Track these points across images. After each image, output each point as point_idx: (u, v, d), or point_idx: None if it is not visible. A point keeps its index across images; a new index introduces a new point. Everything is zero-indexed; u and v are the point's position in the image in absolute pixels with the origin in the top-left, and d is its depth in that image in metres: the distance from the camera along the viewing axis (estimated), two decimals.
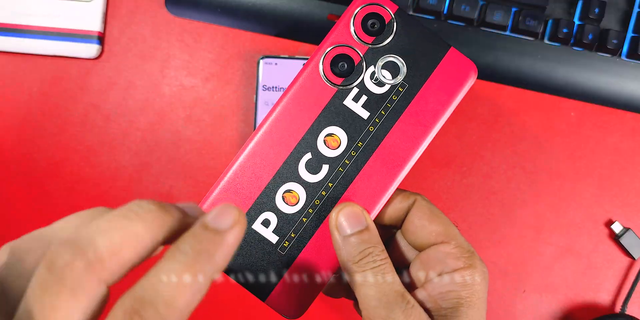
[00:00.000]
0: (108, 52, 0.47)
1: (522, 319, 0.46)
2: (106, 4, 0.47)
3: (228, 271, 0.30)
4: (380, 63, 0.30)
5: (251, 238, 0.30)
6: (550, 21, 0.45)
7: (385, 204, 0.30)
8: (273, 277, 0.30)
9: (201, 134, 0.46)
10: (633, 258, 0.46)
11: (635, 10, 0.45)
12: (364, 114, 0.30)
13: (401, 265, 0.32)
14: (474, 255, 0.29)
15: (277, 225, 0.30)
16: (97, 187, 0.46)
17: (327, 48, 0.30)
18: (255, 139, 0.30)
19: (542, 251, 0.46)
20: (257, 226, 0.30)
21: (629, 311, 0.46)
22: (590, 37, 0.44)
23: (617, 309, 0.46)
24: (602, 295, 0.46)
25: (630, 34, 0.45)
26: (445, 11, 0.44)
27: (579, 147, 0.47)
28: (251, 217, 0.30)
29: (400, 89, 0.30)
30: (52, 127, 0.47)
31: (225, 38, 0.47)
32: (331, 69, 0.30)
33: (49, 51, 0.46)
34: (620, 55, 0.45)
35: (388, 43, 0.30)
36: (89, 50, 0.46)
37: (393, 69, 0.30)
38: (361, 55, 0.30)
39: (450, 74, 0.30)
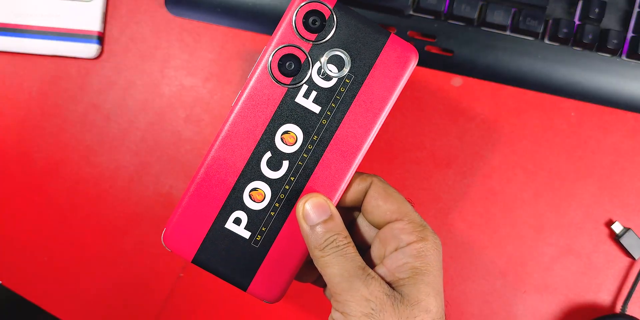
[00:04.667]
0: (108, 52, 0.47)
1: (523, 319, 0.46)
2: (106, 4, 0.47)
3: (209, 268, 0.32)
4: (325, 58, 0.31)
5: (226, 237, 0.32)
6: (550, 21, 0.45)
7: (345, 189, 0.32)
8: (251, 269, 0.32)
9: (201, 134, 0.46)
10: (633, 258, 0.46)
11: (636, 10, 0.45)
12: (316, 109, 0.31)
13: (366, 245, 0.34)
14: (426, 229, 0.31)
15: (247, 221, 0.32)
16: (97, 187, 0.46)
17: (273, 50, 0.31)
18: (216, 145, 0.31)
19: (542, 251, 0.46)
20: (230, 225, 0.32)
21: (629, 311, 0.45)
22: (590, 37, 0.44)
23: (618, 309, 0.46)
24: (602, 296, 0.46)
25: (630, 34, 0.45)
26: (445, 11, 0.44)
27: (579, 147, 0.47)
28: (223, 217, 0.32)
29: (347, 80, 0.31)
30: (52, 127, 0.47)
31: (225, 38, 0.47)
32: (279, 70, 0.31)
33: (49, 51, 0.46)
34: (620, 55, 0.45)
35: (330, 38, 0.31)
36: (89, 50, 0.46)
37: (338, 62, 0.31)
38: (306, 52, 0.31)
39: (393, 60, 0.31)
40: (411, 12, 0.45)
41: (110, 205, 0.46)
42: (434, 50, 0.46)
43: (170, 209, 0.46)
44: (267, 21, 0.46)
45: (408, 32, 0.45)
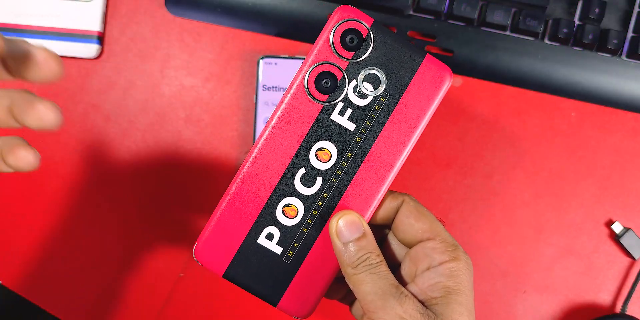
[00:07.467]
0: (108, 52, 0.47)
1: (523, 319, 0.46)
2: (106, 4, 0.47)
3: (240, 283, 0.32)
4: (361, 76, 0.31)
5: (257, 252, 0.32)
6: (550, 21, 0.45)
7: (377, 207, 0.32)
8: (282, 285, 0.32)
9: (201, 134, 0.46)
10: (633, 258, 0.46)
11: (636, 10, 0.45)
12: (351, 126, 0.31)
13: (395, 263, 0.34)
14: (457, 249, 0.31)
15: (280, 237, 0.32)
16: (97, 187, 0.46)
17: (310, 67, 0.31)
18: (251, 160, 0.31)
19: (542, 251, 0.46)
20: (262, 240, 0.32)
21: (629, 311, 0.45)
22: (590, 37, 0.44)
23: (618, 309, 0.46)
24: (603, 296, 0.46)
25: (630, 34, 0.45)
26: (445, 11, 0.44)
27: (579, 147, 0.47)
28: (255, 232, 0.32)
29: (382, 99, 0.31)
30: None
31: (225, 38, 0.47)
32: (316, 87, 0.31)
33: None
34: (620, 55, 0.45)
35: (367, 56, 0.31)
36: (89, 50, 0.46)
37: (374, 80, 0.31)
38: (343, 70, 0.31)
39: (428, 80, 0.31)
40: (411, 12, 0.45)
41: (110, 206, 0.46)
42: (434, 50, 0.46)
43: (170, 209, 0.46)
44: (267, 21, 0.46)
45: (408, 32, 0.45)
